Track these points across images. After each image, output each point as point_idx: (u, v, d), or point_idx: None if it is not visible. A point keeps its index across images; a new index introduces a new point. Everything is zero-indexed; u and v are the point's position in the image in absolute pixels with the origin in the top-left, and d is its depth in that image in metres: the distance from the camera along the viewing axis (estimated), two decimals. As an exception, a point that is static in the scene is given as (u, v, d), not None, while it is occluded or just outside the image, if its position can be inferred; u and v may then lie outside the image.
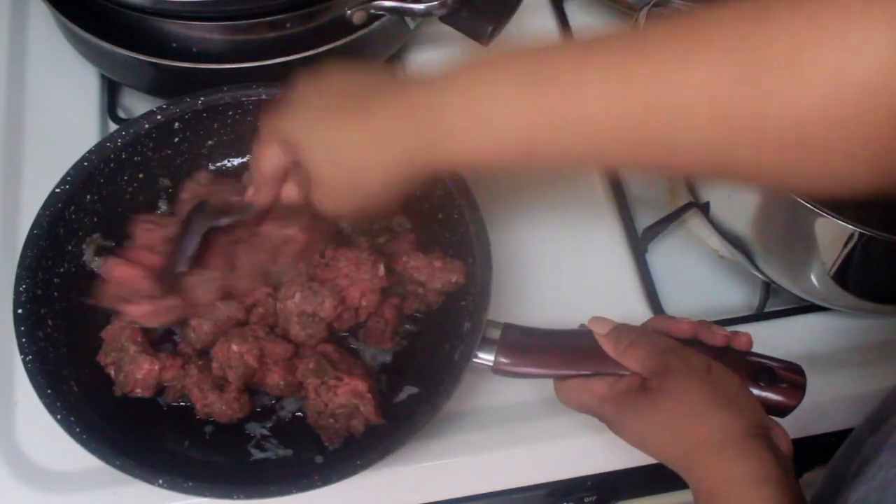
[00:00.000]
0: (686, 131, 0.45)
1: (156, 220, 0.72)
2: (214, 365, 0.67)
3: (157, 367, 0.66)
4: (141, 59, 0.75)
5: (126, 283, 0.69)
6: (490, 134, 0.51)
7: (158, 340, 0.70)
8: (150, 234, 0.71)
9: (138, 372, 0.66)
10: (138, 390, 0.66)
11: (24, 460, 0.68)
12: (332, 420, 0.66)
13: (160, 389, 0.68)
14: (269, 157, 0.62)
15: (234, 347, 0.66)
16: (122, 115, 0.85)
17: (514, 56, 0.51)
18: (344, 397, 0.65)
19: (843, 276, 0.68)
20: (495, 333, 0.64)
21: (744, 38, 0.42)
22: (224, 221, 0.68)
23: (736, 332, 0.62)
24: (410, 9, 0.76)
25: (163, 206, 0.76)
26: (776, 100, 0.42)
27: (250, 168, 0.65)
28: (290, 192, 0.65)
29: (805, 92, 0.41)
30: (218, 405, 0.65)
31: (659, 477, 0.59)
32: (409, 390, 0.69)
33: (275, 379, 0.67)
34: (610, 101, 0.46)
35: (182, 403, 0.68)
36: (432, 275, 0.70)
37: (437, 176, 0.68)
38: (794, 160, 0.44)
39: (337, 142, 0.56)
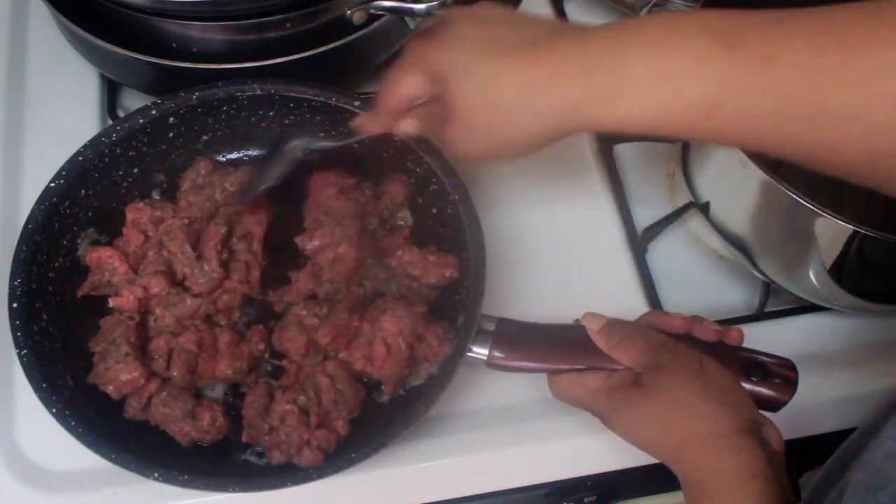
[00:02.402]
0: (870, 112, 0.43)
1: (149, 202, 0.73)
2: (158, 361, 0.67)
3: (141, 380, 0.66)
4: (140, 59, 0.75)
5: (103, 266, 0.70)
6: (671, 90, 0.47)
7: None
8: (139, 212, 0.71)
9: (123, 374, 0.65)
10: (110, 388, 0.66)
11: (24, 460, 0.68)
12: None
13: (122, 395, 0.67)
14: (407, 85, 0.57)
15: (171, 337, 0.67)
16: (121, 114, 0.85)
17: (708, 12, 0.48)
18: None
19: (843, 275, 0.68)
20: (489, 327, 0.64)
21: None
22: (326, 145, 0.66)
23: (728, 328, 0.62)
24: (410, 9, 0.76)
25: (157, 200, 0.76)
26: None
27: (379, 91, 0.60)
28: (408, 127, 0.60)
29: None
30: (195, 433, 0.65)
31: (659, 477, 0.59)
32: (396, 392, 0.69)
33: (222, 369, 0.67)
34: (801, 75, 0.44)
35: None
36: (426, 269, 0.71)
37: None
38: None
39: (495, 80, 0.51)
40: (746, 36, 0.46)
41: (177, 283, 0.70)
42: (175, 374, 0.67)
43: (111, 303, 0.69)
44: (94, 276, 0.70)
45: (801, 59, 0.44)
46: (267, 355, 0.70)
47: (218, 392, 0.69)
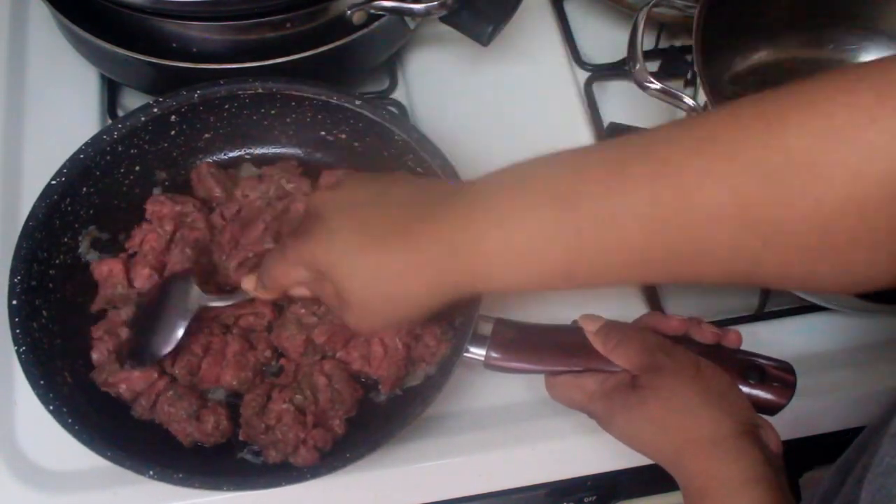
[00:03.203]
0: (717, 242, 0.46)
1: (170, 196, 0.73)
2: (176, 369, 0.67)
3: (154, 378, 0.66)
4: (141, 59, 0.75)
5: (113, 279, 0.70)
6: (529, 265, 0.51)
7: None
8: (160, 205, 0.72)
9: (137, 372, 0.66)
10: (122, 387, 0.66)
11: (24, 460, 0.68)
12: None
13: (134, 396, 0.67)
14: (292, 278, 0.59)
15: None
16: (121, 114, 0.85)
17: (545, 173, 0.51)
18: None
19: (843, 275, 0.68)
20: (487, 328, 0.64)
21: (765, 145, 0.44)
22: (218, 305, 0.67)
23: (726, 330, 0.62)
24: (410, 9, 0.76)
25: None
26: (801, 200, 0.43)
27: (261, 272, 0.62)
28: (302, 292, 0.63)
29: (828, 190, 0.42)
30: (198, 434, 0.65)
31: (659, 477, 0.59)
32: (393, 392, 0.69)
33: (227, 378, 0.67)
34: (643, 223, 0.47)
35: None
36: None
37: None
38: (819, 259, 0.45)
39: (375, 274, 0.54)
40: (588, 196, 0.48)
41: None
42: (177, 372, 0.67)
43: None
44: (104, 290, 0.70)
45: (642, 210, 0.47)
46: (274, 362, 0.70)
47: (220, 393, 0.68)
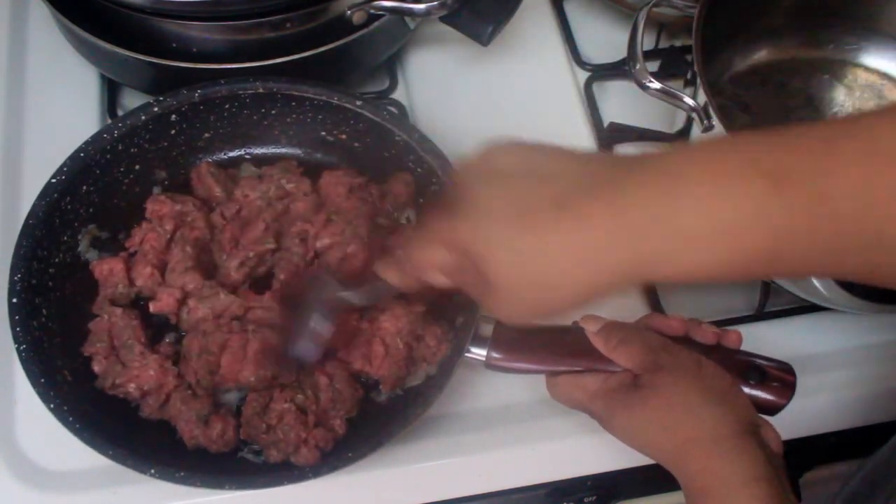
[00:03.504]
0: None
1: (170, 195, 0.73)
2: (189, 368, 0.67)
3: (163, 377, 0.66)
4: (141, 59, 0.75)
5: (114, 278, 0.70)
6: (728, 246, 0.45)
7: (153, 336, 0.70)
8: (161, 205, 0.72)
9: (147, 371, 0.66)
10: (131, 386, 0.66)
11: (24, 460, 0.68)
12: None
13: (143, 394, 0.67)
14: (434, 262, 0.52)
15: (201, 337, 0.67)
16: (122, 114, 0.85)
17: (751, 144, 0.46)
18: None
19: (843, 275, 0.68)
20: (488, 328, 0.64)
21: None
22: (354, 300, 0.63)
23: (726, 330, 0.62)
24: (410, 9, 0.76)
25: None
26: None
27: (404, 257, 0.56)
28: (440, 280, 0.54)
29: None
30: (202, 439, 0.65)
31: (659, 477, 0.59)
32: (394, 391, 0.69)
33: (246, 374, 0.67)
34: (855, 205, 0.43)
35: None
36: None
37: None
38: None
39: (533, 259, 0.47)
40: (799, 173, 0.43)
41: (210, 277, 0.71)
42: (198, 371, 0.67)
43: (152, 308, 0.69)
44: (105, 289, 0.70)
45: (857, 191, 0.43)
46: None
47: (233, 396, 0.68)
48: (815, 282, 0.70)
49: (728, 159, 0.45)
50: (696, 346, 0.61)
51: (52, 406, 0.62)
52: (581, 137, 0.85)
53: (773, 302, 0.78)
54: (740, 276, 0.47)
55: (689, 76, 0.72)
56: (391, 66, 0.88)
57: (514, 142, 0.52)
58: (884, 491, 0.49)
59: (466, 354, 0.64)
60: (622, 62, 0.84)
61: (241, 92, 0.74)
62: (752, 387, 0.60)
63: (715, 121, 0.68)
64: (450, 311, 0.69)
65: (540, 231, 0.46)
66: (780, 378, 0.61)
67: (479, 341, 0.64)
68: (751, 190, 0.43)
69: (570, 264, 0.46)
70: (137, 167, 0.74)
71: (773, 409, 0.61)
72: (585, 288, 0.48)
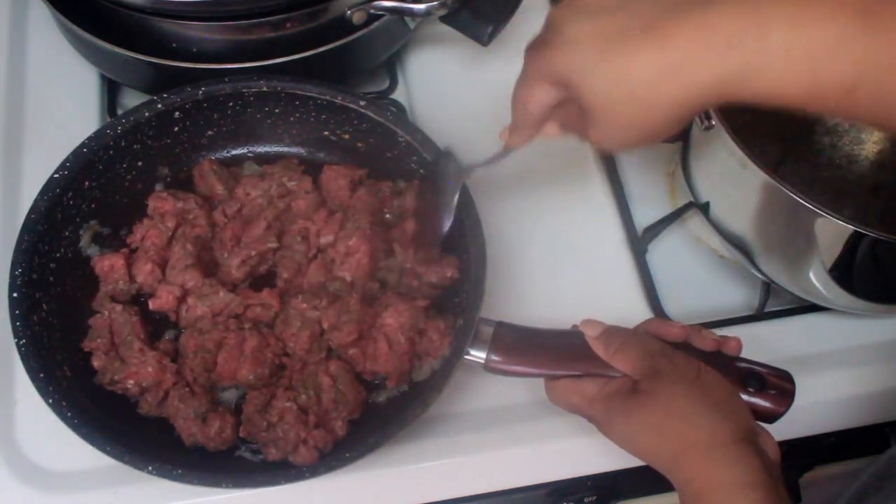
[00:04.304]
0: None
1: (172, 192, 0.73)
2: (186, 368, 0.67)
3: (162, 374, 0.66)
4: (141, 59, 0.75)
5: (114, 274, 0.70)
6: (811, 69, 0.46)
7: (153, 333, 0.70)
8: (162, 202, 0.72)
9: (146, 368, 0.66)
10: (130, 383, 0.66)
11: (24, 460, 0.68)
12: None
13: (142, 391, 0.67)
14: (538, 98, 0.56)
15: (197, 334, 0.67)
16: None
17: None
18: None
19: (843, 275, 0.68)
20: (488, 331, 0.64)
21: None
22: (480, 165, 0.66)
23: (726, 337, 0.62)
24: (410, 9, 0.76)
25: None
26: None
27: (512, 107, 0.59)
28: (551, 130, 0.60)
29: None
30: (200, 437, 0.65)
31: (659, 477, 0.59)
32: (400, 387, 0.69)
33: (244, 373, 0.67)
34: None
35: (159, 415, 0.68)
36: (428, 268, 0.70)
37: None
38: None
39: (624, 77, 0.49)
40: (890, 10, 0.45)
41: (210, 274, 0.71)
42: (194, 369, 0.67)
43: (151, 306, 0.69)
44: (105, 284, 0.70)
45: None
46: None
47: (232, 393, 0.68)
48: (815, 282, 0.70)
49: None
50: (695, 353, 0.61)
51: (50, 401, 0.62)
52: (581, 137, 0.85)
53: (773, 302, 0.78)
54: (815, 106, 0.48)
55: (689, 76, 0.72)
56: (391, 66, 0.88)
57: None
58: (892, 484, 0.49)
59: (466, 357, 0.64)
60: (622, 62, 0.84)
61: (244, 90, 0.74)
62: (750, 394, 0.60)
63: (715, 120, 0.68)
64: (451, 314, 0.69)
65: (628, 53, 0.49)
66: (779, 386, 0.61)
67: (479, 344, 0.64)
68: (837, 20, 0.45)
69: (659, 80, 0.48)
70: (140, 164, 0.75)
71: (771, 417, 0.61)
72: (676, 103, 0.49)
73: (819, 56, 0.46)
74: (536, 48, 0.55)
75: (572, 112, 0.54)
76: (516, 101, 0.58)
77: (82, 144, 0.70)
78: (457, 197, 0.67)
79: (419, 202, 0.72)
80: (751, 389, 0.60)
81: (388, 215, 0.74)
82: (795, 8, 0.46)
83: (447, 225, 0.67)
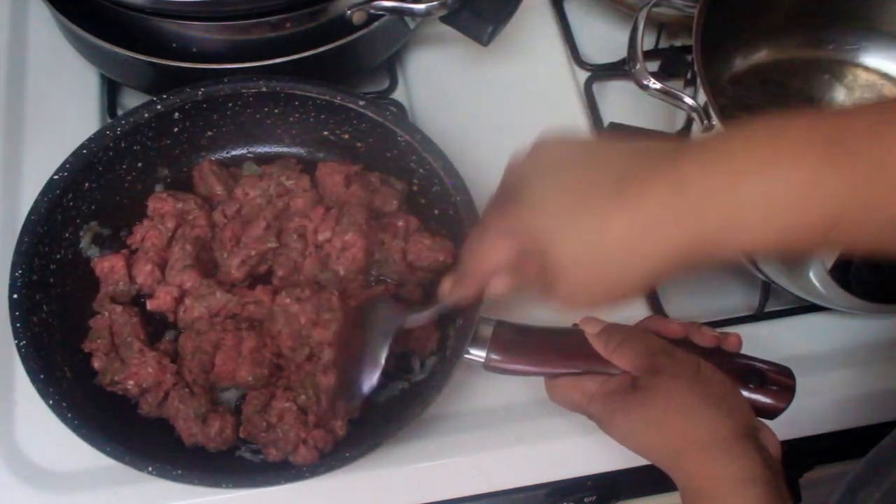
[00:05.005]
0: None
1: (172, 193, 0.73)
2: (185, 369, 0.67)
3: (162, 374, 0.66)
4: (141, 59, 0.75)
5: (115, 274, 0.70)
6: (787, 217, 0.45)
7: (153, 333, 0.70)
8: (162, 202, 0.72)
9: (146, 368, 0.66)
10: (130, 383, 0.66)
11: (24, 460, 0.68)
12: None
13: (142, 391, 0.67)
14: (496, 255, 0.54)
15: (195, 335, 0.67)
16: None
17: (802, 123, 0.46)
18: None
19: (843, 275, 0.68)
20: (487, 330, 0.64)
21: None
22: (417, 323, 0.64)
23: (726, 334, 0.62)
24: (410, 9, 0.76)
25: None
26: None
27: (463, 259, 0.58)
28: (502, 285, 0.57)
29: None
30: (201, 437, 0.65)
31: (659, 477, 0.59)
32: (400, 385, 0.69)
33: (243, 374, 0.67)
34: None
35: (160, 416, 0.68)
36: (420, 252, 0.71)
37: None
38: None
39: (598, 239, 0.48)
40: (856, 141, 0.44)
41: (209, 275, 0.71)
42: (192, 371, 0.67)
43: (149, 306, 0.69)
44: (106, 286, 0.70)
45: None
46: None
47: (232, 394, 0.68)
48: (815, 282, 0.70)
49: (788, 133, 0.45)
50: (695, 349, 0.61)
51: (50, 402, 0.62)
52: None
53: (773, 302, 0.78)
54: (801, 248, 0.49)
55: (689, 76, 0.72)
56: (391, 66, 0.88)
57: (563, 136, 0.53)
58: (886, 474, 0.49)
59: (466, 356, 0.64)
60: (622, 62, 0.84)
61: (244, 91, 0.74)
62: (751, 390, 0.60)
63: (715, 121, 0.68)
64: (450, 314, 0.69)
65: (602, 213, 0.47)
66: (780, 382, 0.61)
67: (479, 343, 0.64)
68: (809, 162, 0.44)
69: (635, 242, 0.47)
70: (140, 164, 0.75)
71: (772, 413, 0.61)
72: (652, 265, 0.48)
73: (792, 202, 0.45)
74: (499, 204, 0.53)
75: (531, 269, 0.52)
76: (470, 254, 0.56)
77: (82, 146, 0.70)
78: (386, 351, 0.63)
79: (340, 352, 0.66)
80: (751, 386, 0.60)
81: (378, 203, 0.74)
82: (760, 156, 0.45)
83: (370, 383, 0.63)
